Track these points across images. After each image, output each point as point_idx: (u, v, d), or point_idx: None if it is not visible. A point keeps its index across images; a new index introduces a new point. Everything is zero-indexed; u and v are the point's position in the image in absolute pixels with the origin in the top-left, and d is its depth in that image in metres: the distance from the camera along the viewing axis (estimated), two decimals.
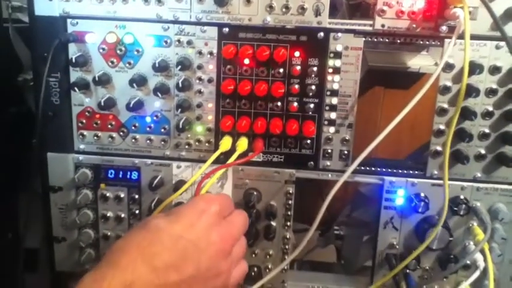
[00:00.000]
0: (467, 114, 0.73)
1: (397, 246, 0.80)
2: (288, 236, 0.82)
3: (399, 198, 0.79)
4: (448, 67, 0.73)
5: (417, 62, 0.94)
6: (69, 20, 0.76)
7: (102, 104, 0.76)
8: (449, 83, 0.73)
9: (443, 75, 0.73)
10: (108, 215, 0.83)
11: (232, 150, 0.77)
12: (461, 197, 0.77)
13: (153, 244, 0.54)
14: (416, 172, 0.78)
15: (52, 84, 0.77)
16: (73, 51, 0.76)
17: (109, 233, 0.84)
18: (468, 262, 0.76)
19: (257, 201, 0.80)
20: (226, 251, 0.59)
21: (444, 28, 0.70)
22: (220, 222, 0.60)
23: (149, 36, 0.75)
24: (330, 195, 0.71)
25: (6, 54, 0.85)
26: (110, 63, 0.77)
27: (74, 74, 0.78)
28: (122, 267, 0.51)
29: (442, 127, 0.75)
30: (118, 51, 0.76)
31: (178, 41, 0.75)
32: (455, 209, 0.76)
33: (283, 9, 0.72)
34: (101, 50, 0.76)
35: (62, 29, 0.76)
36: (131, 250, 0.53)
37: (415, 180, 0.78)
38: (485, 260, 0.73)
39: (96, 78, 0.76)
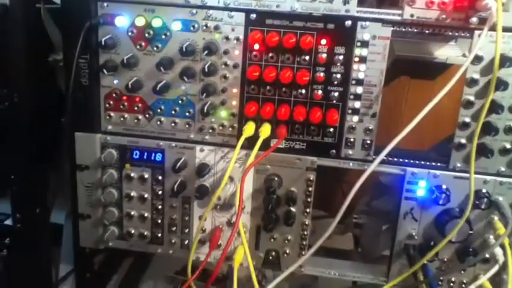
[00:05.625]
0: (494, 107, 0.72)
1: (416, 237, 0.80)
2: (307, 222, 0.83)
3: (420, 190, 0.79)
4: (477, 59, 0.72)
5: (444, 52, 0.93)
6: (99, 3, 0.77)
7: (130, 86, 0.78)
8: (476, 76, 0.73)
9: (471, 67, 0.72)
10: (132, 194, 0.85)
11: (255, 136, 0.78)
12: (484, 190, 0.77)
13: None
14: (439, 164, 0.78)
15: (82, 65, 0.79)
16: (103, 33, 0.78)
17: (132, 212, 0.86)
18: (487, 256, 0.76)
19: (278, 187, 0.81)
20: None
21: (475, 19, 0.69)
22: None
23: (177, 20, 0.76)
24: (355, 188, 0.72)
25: (37, 34, 0.86)
26: (138, 47, 0.78)
27: (103, 56, 0.79)
28: None
29: (467, 120, 0.75)
30: (146, 35, 0.77)
31: (206, 25, 0.76)
32: (477, 202, 0.76)
33: None
34: (130, 33, 0.78)
35: (93, 11, 0.77)
36: None
37: (438, 172, 0.78)
38: (504, 254, 0.73)
39: (125, 61, 0.77)
